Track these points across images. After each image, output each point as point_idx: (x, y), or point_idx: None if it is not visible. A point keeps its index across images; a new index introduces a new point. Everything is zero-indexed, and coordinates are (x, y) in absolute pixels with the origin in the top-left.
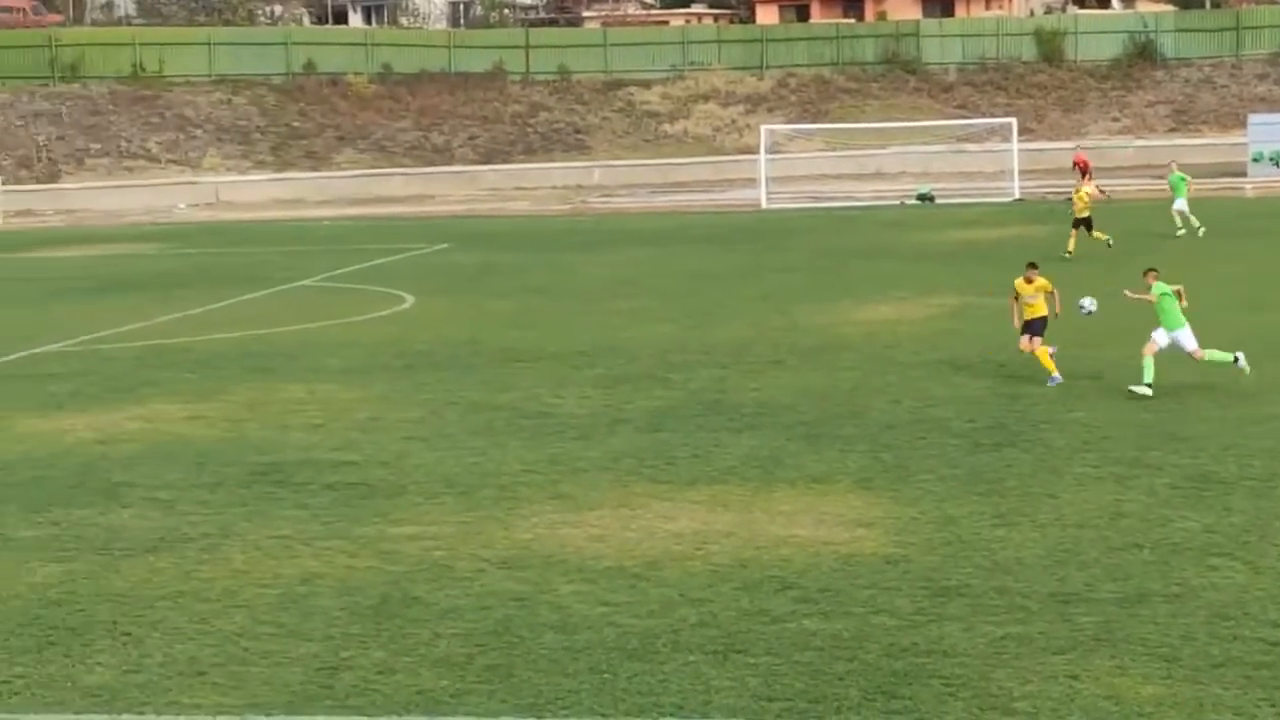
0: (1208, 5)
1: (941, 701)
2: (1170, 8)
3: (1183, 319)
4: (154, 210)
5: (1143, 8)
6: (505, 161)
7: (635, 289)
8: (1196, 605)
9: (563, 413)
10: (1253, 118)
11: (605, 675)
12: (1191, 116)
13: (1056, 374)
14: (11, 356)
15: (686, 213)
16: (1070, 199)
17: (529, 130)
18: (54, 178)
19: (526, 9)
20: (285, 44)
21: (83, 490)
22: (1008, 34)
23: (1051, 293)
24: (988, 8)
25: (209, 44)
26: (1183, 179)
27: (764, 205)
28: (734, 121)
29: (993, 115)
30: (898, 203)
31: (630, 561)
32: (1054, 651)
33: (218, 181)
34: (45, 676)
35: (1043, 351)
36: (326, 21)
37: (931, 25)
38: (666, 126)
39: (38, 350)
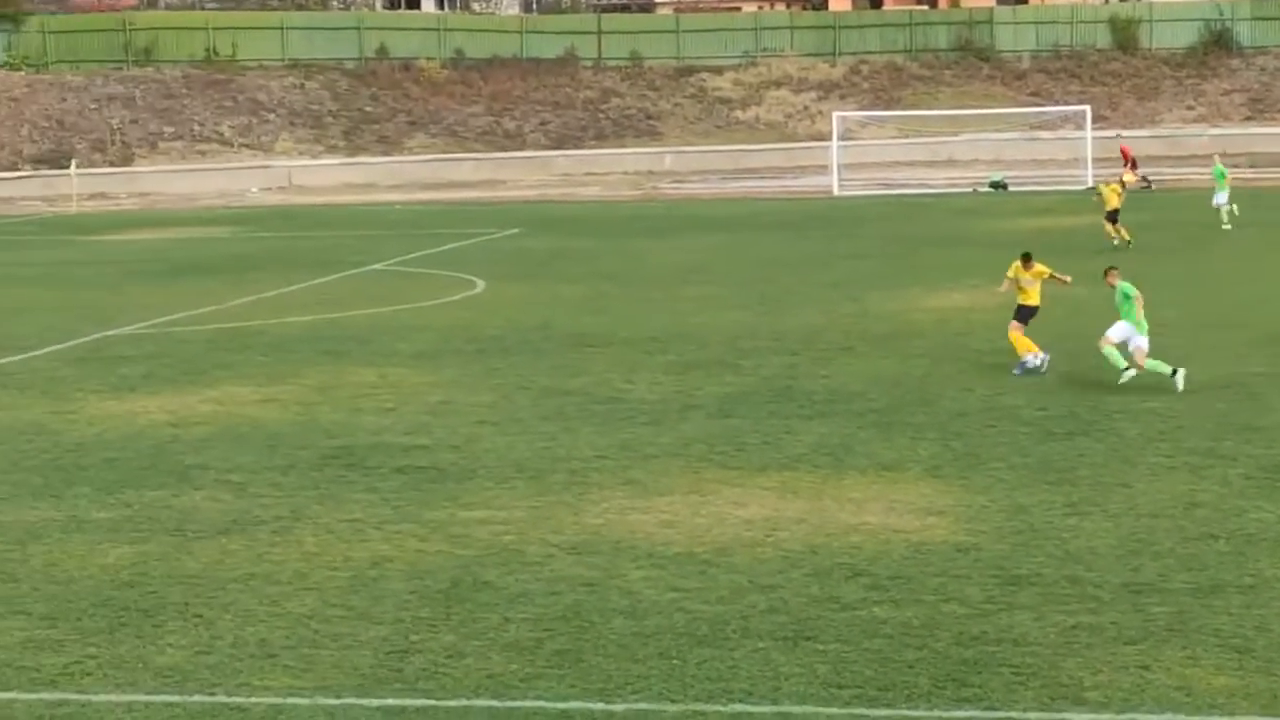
0: None
1: (1011, 690)
2: None
3: (1140, 321)
4: (227, 194)
5: None
6: (576, 147)
7: (706, 275)
8: (1271, 596)
9: (633, 398)
10: None
11: (674, 661)
12: (1268, 105)
13: (1028, 357)
14: (85, 339)
15: (758, 199)
16: (1117, 185)
17: (600, 116)
18: (127, 161)
19: None
20: (358, 28)
21: (155, 472)
22: (1082, 21)
23: (1051, 276)
24: None
25: (282, 28)
26: (1224, 173)
27: (836, 192)
28: (806, 108)
29: (1066, 103)
30: (970, 190)
31: (700, 547)
32: (1125, 642)
33: (290, 165)
34: (116, 657)
35: (1017, 336)
36: (399, 6)
37: (1005, 12)
38: (738, 113)
39: (111, 333)
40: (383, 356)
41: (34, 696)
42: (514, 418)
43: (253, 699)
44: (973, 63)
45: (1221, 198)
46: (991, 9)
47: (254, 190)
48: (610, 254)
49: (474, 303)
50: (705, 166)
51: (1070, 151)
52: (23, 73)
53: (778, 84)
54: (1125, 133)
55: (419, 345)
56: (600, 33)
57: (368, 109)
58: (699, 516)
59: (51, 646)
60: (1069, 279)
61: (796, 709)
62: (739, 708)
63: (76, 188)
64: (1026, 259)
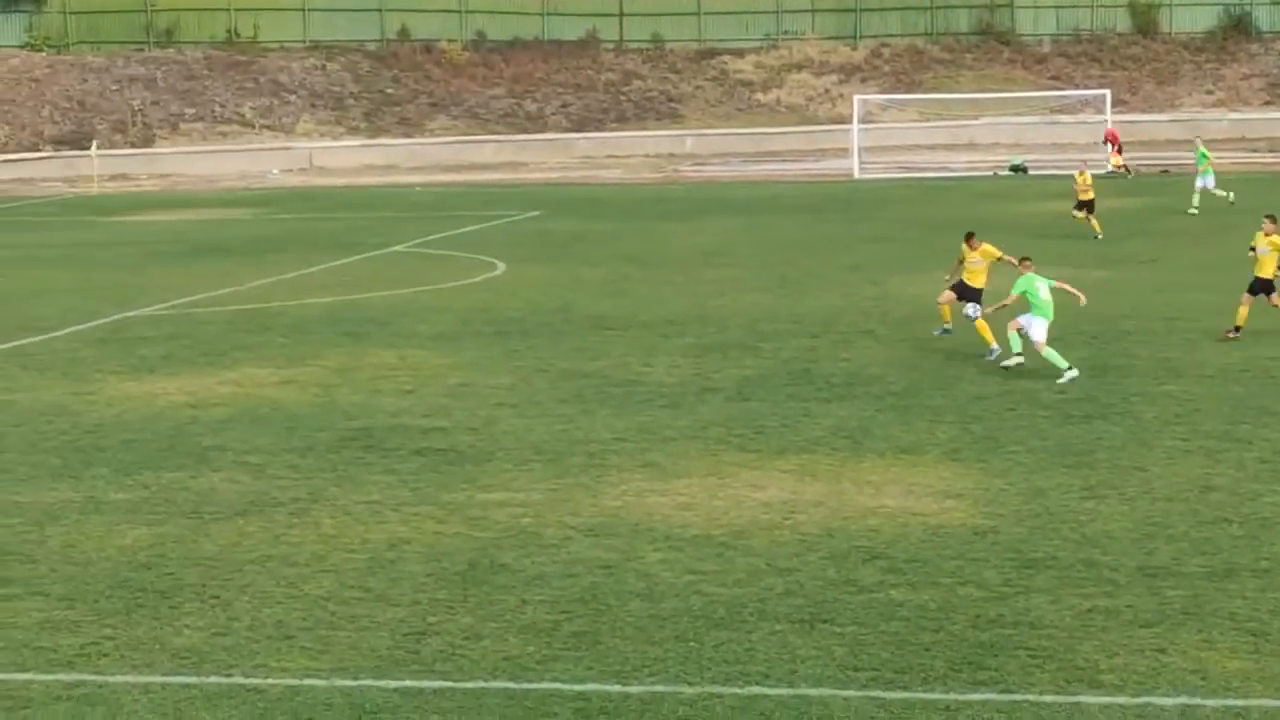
0: None
1: (1028, 673)
2: None
3: (1046, 310)
4: (247, 175)
5: None
6: (598, 129)
7: (726, 258)
8: None
9: (652, 381)
10: None
11: (691, 643)
12: None
13: (995, 345)
14: (105, 320)
15: (778, 182)
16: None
17: (622, 98)
18: (148, 142)
19: None
20: (379, 10)
21: (173, 454)
22: (1102, 5)
23: (1000, 258)
24: None
25: (304, 10)
26: (1205, 155)
27: (856, 175)
28: (827, 91)
29: (1086, 87)
30: (990, 174)
31: (718, 530)
32: (1141, 625)
33: (311, 147)
34: (133, 638)
35: (982, 325)
36: None
37: None
38: (759, 96)
39: (131, 314)
40: (402, 338)
41: (51, 677)
42: (533, 400)
43: (269, 680)
44: (993, 46)
45: (1208, 181)
46: None
47: (275, 172)
48: (631, 236)
49: (494, 285)
50: (726, 149)
51: (1090, 135)
52: (44, 53)
53: (799, 67)
54: (1144, 117)
55: (439, 327)
56: (622, 15)
57: (389, 91)
58: (717, 499)
59: (69, 627)
60: (1015, 260)
61: (813, 691)
62: (756, 690)
63: (97, 169)
64: (969, 237)
